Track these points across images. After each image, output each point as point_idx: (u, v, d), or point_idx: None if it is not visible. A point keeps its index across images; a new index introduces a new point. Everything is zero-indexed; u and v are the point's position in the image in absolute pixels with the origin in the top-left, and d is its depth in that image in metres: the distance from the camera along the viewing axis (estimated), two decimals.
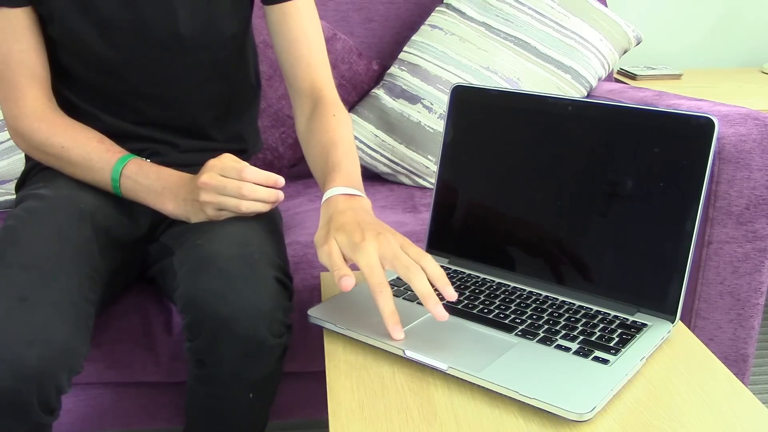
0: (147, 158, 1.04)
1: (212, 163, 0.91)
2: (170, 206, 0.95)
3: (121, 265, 1.02)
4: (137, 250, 1.06)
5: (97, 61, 0.99)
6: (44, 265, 0.85)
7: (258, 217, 0.96)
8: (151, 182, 0.95)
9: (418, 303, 0.82)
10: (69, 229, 0.92)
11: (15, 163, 1.41)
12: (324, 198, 0.86)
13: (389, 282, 0.88)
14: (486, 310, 0.80)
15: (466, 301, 0.82)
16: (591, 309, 0.81)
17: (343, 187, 0.86)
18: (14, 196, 1.23)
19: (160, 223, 1.07)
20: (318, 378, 1.21)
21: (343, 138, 0.96)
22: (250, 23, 1.11)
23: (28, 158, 1.12)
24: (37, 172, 1.09)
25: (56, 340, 0.79)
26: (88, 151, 0.97)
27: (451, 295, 0.74)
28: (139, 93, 1.03)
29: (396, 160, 1.47)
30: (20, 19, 0.95)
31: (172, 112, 1.06)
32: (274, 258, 0.89)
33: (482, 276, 0.89)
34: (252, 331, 0.83)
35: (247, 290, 0.83)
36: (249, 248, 0.88)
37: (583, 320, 0.78)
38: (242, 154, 1.18)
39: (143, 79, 1.02)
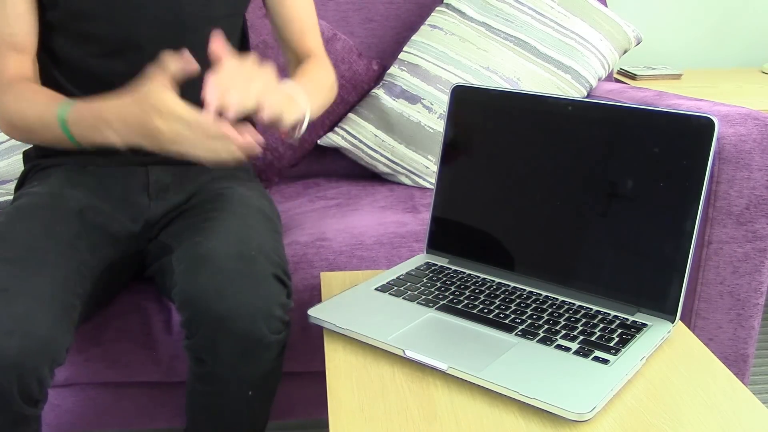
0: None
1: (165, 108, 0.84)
2: (113, 133, 0.89)
3: (115, 261, 1.02)
4: (134, 247, 1.06)
5: (99, 42, 1.00)
6: (28, 258, 0.85)
7: (257, 215, 0.96)
8: (91, 119, 0.91)
9: (418, 303, 0.82)
10: (56, 224, 0.93)
11: (15, 163, 1.41)
12: None
13: (387, 282, 0.88)
14: (486, 310, 0.80)
15: (466, 302, 0.82)
16: (591, 309, 0.81)
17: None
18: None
19: (157, 220, 1.07)
20: (318, 378, 1.21)
21: (320, 76, 1.09)
22: (245, 7, 1.12)
23: (26, 160, 1.13)
24: (34, 173, 1.09)
25: (37, 331, 0.80)
26: (40, 108, 0.95)
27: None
28: (138, 76, 1.03)
29: (396, 160, 1.47)
30: (16, 6, 0.96)
31: None
32: (272, 255, 0.90)
33: (482, 276, 0.89)
34: (249, 328, 0.83)
35: (245, 287, 0.84)
36: (247, 246, 0.88)
37: (583, 320, 0.78)
38: None
39: (144, 60, 1.02)
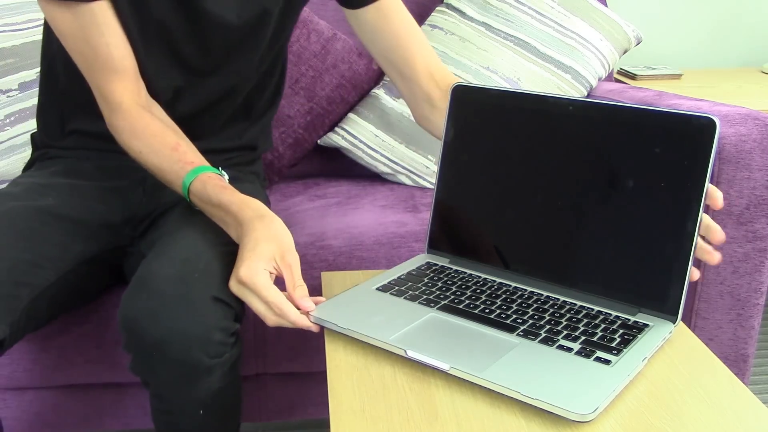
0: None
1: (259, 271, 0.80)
2: (233, 234, 0.88)
3: (94, 255, 1.00)
4: (113, 242, 1.04)
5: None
6: None
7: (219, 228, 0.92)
8: (213, 207, 0.89)
9: (419, 303, 0.82)
10: (16, 216, 0.92)
11: (15, 163, 1.41)
12: None
13: (388, 282, 0.88)
14: (487, 311, 0.80)
15: (467, 302, 0.82)
16: (592, 309, 0.81)
17: None
18: None
19: (145, 216, 1.05)
20: (318, 378, 1.21)
21: None
22: (292, 21, 1.10)
23: (34, 146, 1.13)
24: (42, 161, 1.10)
25: None
26: (161, 160, 0.92)
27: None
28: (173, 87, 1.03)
29: (396, 160, 1.47)
30: (104, 11, 0.92)
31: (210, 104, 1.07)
32: (218, 276, 0.85)
33: (483, 276, 0.89)
34: (184, 354, 0.80)
35: (180, 312, 0.80)
36: (190, 266, 0.84)
37: (585, 320, 0.78)
38: (252, 151, 1.18)
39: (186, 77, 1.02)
